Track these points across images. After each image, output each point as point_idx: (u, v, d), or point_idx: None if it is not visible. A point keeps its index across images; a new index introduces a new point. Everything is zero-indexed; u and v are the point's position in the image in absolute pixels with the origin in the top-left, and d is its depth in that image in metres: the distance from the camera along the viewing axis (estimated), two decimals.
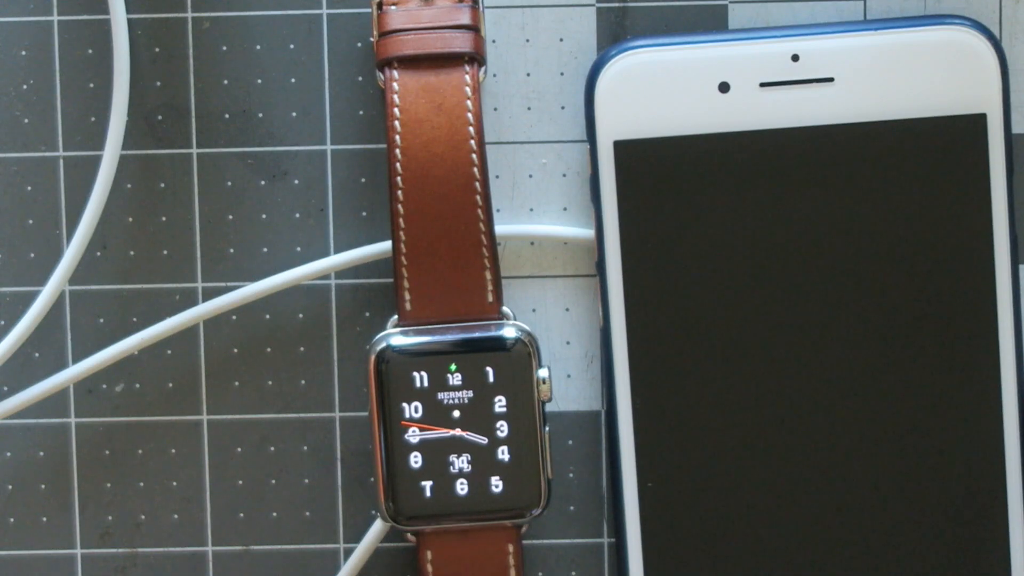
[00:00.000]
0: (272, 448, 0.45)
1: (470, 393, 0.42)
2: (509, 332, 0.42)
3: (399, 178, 0.41)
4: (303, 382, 0.45)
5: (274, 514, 0.45)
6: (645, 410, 0.43)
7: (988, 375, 0.43)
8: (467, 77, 0.41)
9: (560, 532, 0.45)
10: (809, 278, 0.43)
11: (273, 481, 0.45)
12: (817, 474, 0.43)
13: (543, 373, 0.42)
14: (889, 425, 0.43)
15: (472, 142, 0.41)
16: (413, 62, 0.42)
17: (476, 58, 0.42)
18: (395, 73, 0.41)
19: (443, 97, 0.41)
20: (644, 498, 0.43)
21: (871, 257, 0.43)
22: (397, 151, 0.41)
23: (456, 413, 0.42)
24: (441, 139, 0.41)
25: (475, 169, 0.41)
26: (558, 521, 0.45)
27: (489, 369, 0.42)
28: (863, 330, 0.43)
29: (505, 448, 0.42)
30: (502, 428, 0.42)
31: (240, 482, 0.45)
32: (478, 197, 0.42)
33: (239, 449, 0.45)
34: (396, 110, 0.41)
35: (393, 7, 0.42)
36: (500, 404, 0.42)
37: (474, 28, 0.42)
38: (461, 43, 0.41)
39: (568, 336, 0.45)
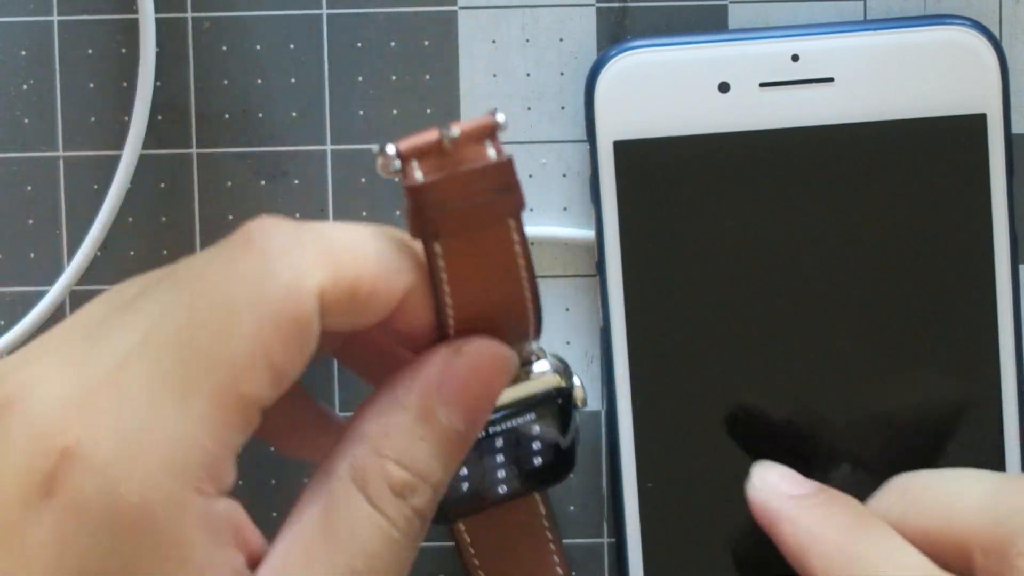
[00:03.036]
0: (272, 448, 0.45)
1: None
2: (546, 380, 0.40)
3: (451, 329, 0.37)
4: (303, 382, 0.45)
5: (274, 514, 0.45)
6: (645, 410, 0.43)
7: (988, 375, 0.43)
8: (514, 235, 0.36)
9: (560, 532, 0.45)
10: (809, 278, 0.43)
11: (273, 481, 0.45)
12: (817, 478, 0.43)
13: (576, 381, 0.41)
14: (890, 428, 0.43)
15: (526, 292, 0.37)
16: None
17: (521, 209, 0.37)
18: (438, 246, 0.35)
19: (492, 259, 0.36)
20: (644, 498, 0.43)
21: (871, 257, 0.43)
22: (448, 310, 0.36)
23: (496, 435, 0.40)
24: (496, 298, 0.36)
25: (529, 314, 0.37)
26: (558, 521, 0.45)
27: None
28: (863, 329, 0.43)
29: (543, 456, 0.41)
30: (539, 446, 0.41)
31: (240, 482, 0.45)
32: (530, 344, 0.38)
33: None
34: (443, 275, 0.36)
35: (417, 167, 0.35)
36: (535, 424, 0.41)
37: (515, 187, 0.35)
38: (504, 208, 0.35)
39: (568, 336, 0.45)
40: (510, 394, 0.40)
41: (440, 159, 0.35)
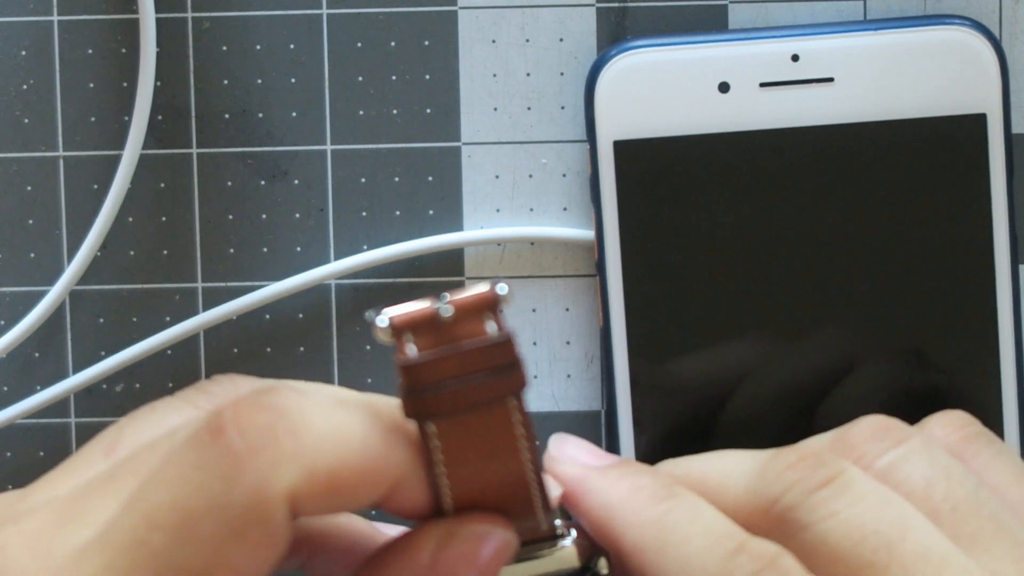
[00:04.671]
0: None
1: None
2: (564, 557, 0.36)
3: (448, 508, 0.35)
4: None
5: None
6: (645, 410, 0.43)
7: (988, 375, 0.43)
8: (515, 415, 0.33)
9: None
10: (810, 279, 0.43)
11: None
12: None
13: (603, 568, 0.37)
14: None
15: (528, 472, 0.34)
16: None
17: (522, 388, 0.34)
18: (432, 426, 0.33)
19: (491, 439, 0.34)
20: None
21: (871, 257, 0.43)
22: (445, 490, 0.34)
23: None
24: (495, 477, 0.34)
25: (532, 492, 0.35)
26: None
27: None
28: (864, 328, 0.43)
29: None
30: None
31: None
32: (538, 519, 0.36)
33: None
34: (439, 455, 0.34)
35: (411, 341, 0.32)
36: None
37: (516, 365, 0.33)
38: (503, 388, 0.33)
39: (568, 336, 0.45)
40: (522, 572, 0.36)
41: (436, 333, 0.32)
